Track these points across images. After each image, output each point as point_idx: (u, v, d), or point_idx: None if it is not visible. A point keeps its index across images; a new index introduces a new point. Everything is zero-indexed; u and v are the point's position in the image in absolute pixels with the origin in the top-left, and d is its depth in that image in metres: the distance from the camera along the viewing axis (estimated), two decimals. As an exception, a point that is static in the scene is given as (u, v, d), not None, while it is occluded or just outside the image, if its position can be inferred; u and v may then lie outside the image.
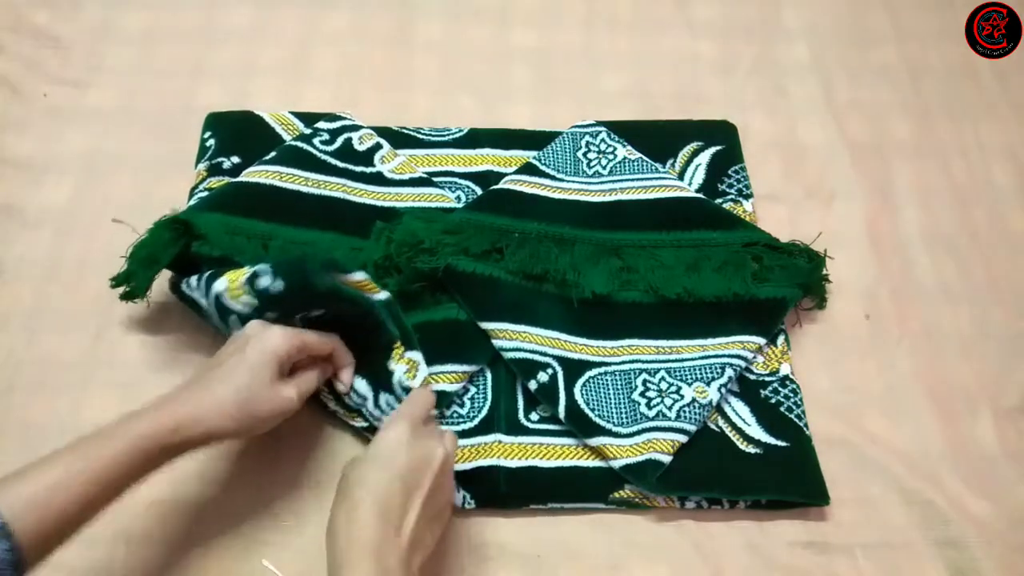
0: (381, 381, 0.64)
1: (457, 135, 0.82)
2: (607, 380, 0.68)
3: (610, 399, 0.67)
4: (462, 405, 0.68)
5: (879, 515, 0.66)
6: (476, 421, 0.67)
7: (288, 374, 0.59)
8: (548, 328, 0.69)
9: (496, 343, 0.68)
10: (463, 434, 0.66)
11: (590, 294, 0.71)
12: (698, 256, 0.73)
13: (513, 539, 0.64)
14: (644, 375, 0.69)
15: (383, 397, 0.63)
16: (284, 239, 0.70)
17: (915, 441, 0.70)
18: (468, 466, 0.65)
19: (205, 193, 0.74)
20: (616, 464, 0.64)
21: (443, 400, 0.66)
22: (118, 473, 0.50)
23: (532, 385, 0.67)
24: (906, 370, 0.73)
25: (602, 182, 0.78)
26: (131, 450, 0.50)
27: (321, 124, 0.79)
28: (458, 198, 0.77)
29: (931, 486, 0.67)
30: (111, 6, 0.90)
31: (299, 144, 0.76)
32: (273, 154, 0.76)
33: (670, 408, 0.67)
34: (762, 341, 0.71)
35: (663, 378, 0.68)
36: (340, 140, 0.78)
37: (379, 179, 0.77)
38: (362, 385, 0.64)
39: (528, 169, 0.78)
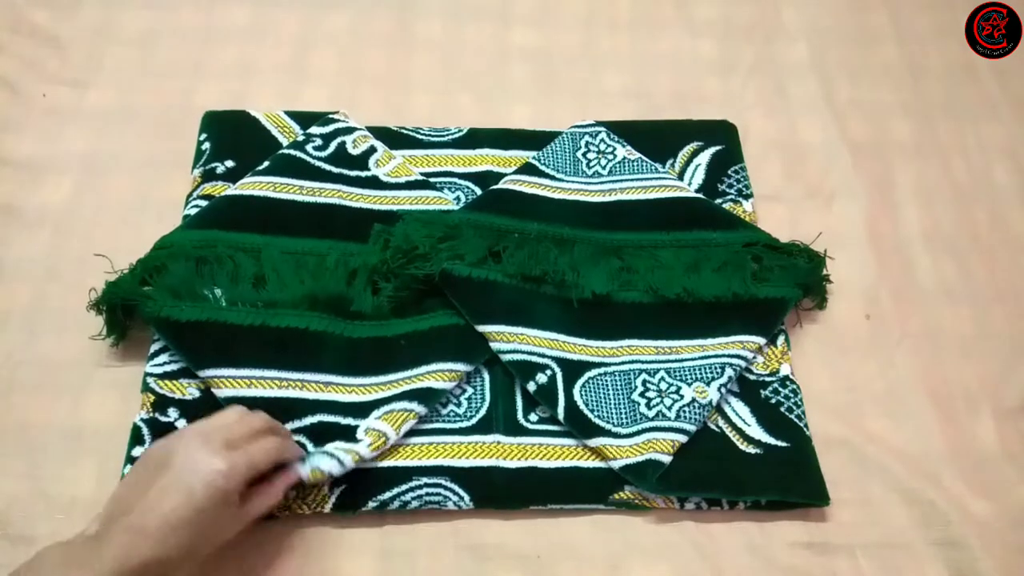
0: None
1: (456, 135, 0.81)
2: (606, 381, 0.68)
3: (609, 400, 0.67)
4: (459, 405, 0.68)
5: (879, 515, 0.66)
6: (474, 421, 0.67)
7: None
8: (546, 329, 0.69)
9: (494, 346, 0.68)
10: (461, 432, 0.66)
11: (590, 294, 0.70)
12: (698, 256, 0.73)
13: (513, 539, 0.64)
14: (644, 375, 0.69)
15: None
16: (278, 249, 0.70)
17: (916, 441, 0.70)
18: (466, 463, 0.64)
19: (200, 202, 0.74)
20: (616, 465, 0.64)
21: (435, 398, 0.66)
22: None
23: (531, 387, 0.67)
24: (907, 370, 0.73)
25: (602, 182, 0.78)
26: None
27: (314, 129, 0.78)
28: (457, 199, 0.77)
29: (931, 486, 0.67)
30: (110, 6, 0.90)
31: (292, 152, 0.76)
32: (267, 163, 0.75)
33: (670, 408, 0.66)
34: (762, 341, 0.71)
35: (663, 378, 0.68)
36: (334, 144, 0.77)
37: (375, 183, 0.76)
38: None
39: (528, 169, 0.78)
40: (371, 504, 0.62)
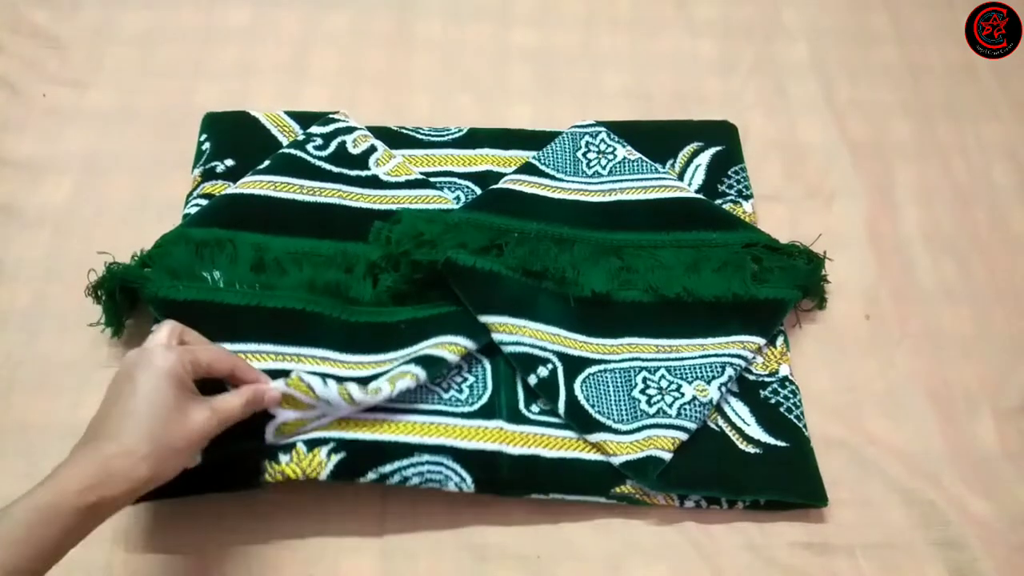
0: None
1: (456, 135, 0.81)
2: (607, 377, 0.68)
3: (610, 396, 0.67)
4: (460, 391, 0.67)
5: (879, 516, 0.66)
6: (476, 407, 0.66)
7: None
8: (548, 324, 0.69)
9: (496, 337, 0.67)
10: (464, 416, 0.66)
11: (589, 292, 0.70)
12: (698, 257, 0.73)
13: (513, 540, 0.64)
14: (644, 372, 0.69)
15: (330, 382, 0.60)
16: (279, 249, 0.70)
17: (915, 441, 0.70)
18: (470, 445, 0.63)
19: (200, 201, 0.74)
20: (616, 461, 0.64)
21: (436, 365, 0.65)
22: (23, 555, 0.44)
23: (532, 380, 0.67)
24: (906, 370, 0.73)
25: (602, 182, 0.78)
26: (32, 526, 0.44)
27: (315, 129, 0.78)
28: (457, 198, 0.77)
29: (931, 486, 0.67)
30: (111, 6, 0.90)
31: (293, 151, 0.76)
32: (267, 163, 0.75)
33: (671, 405, 0.66)
34: (762, 341, 0.71)
35: (663, 376, 0.68)
36: (334, 144, 0.77)
37: (375, 182, 0.76)
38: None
39: (528, 169, 0.78)
40: (371, 475, 0.60)
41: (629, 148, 0.80)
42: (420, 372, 0.63)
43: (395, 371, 0.63)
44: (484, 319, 0.68)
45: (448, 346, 0.66)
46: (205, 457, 0.55)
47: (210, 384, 0.56)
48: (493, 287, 0.69)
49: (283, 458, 0.60)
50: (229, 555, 0.62)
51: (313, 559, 0.62)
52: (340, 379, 0.62)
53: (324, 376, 0.60)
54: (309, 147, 0.77)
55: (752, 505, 0.65)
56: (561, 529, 0.64)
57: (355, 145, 0.78)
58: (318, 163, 0.76)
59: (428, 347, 0.66)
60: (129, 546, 0.61)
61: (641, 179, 0.78)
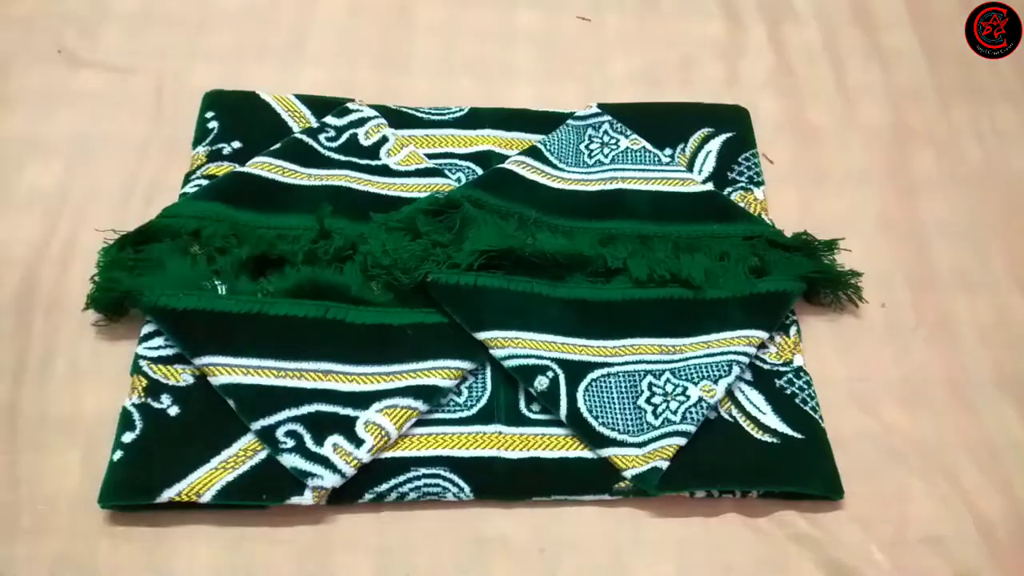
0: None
1: (458, 115, 0.80)
2: (611, 383, 0.66)
3: (614, 404, 0.65)
4: (459, 394, 0.66)
5: (894, 509, 0.65)
6: (474, 410, 0.65)
7: None
8: (543, 332, 0.67)
9: (494, 353, 0.66)
10: (461, 422, 0.65)
11: (587, 290, 0.69)
12: (698, 248, 0.72)
13: (516, 532, 0.62)
14: (649, 377, 0.67)
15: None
16: (279, 226, 0.69)
17: (931, 431, 0.68)
18: (467, 453, 0.63)
19: (201, 181, 0.72)
20: (626, 475, 0.63)
21: (436, 395, 0.64)
22: None
23: (533, 391, 0.65)
24: (922, 359, 0.72)
25: (603, 170, 0.77)
26: None
27: (329, 119, 0.77)
28: (458, 180, 0.76)
29: (947, 479, 0.66)
30: (105, -14, 0.88)
31: (304, 138, 0.75)
32: (278, 146, 0.74)
33: (675, 412, 0.65)
34: (765, 336, 0.69)
35: (668, 380, 0.66)
36: (345, 136, 0.76)
37: (384, 171, 0.75)
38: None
39: (532, 153, 0.76)
40: (368, 496, 0.61)
41: (634, 137, 0.79)
42: (422, 406, 0.63)
43: (400, 407, 0.63)
44: (477, 335, 0.66)
45: (447, 372, 0.65)
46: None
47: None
48: (479, 301, 0.67)
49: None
50: (225, 549, 0.60)
51: (310, 552, 0.60)
52: (347, 430, 0.61)
53: (331, 442, 0.60)
54: (321, 137, 0.76)
55: (765, 494, 0.64)
56: (565, 522, 0.62)
57: (367, 137, 0.76)
58: (328, 153, 0.75)
59: (428, 371, 0.64)
60: (125, 543, 0.59)
61: (643, 170, 0.77)
